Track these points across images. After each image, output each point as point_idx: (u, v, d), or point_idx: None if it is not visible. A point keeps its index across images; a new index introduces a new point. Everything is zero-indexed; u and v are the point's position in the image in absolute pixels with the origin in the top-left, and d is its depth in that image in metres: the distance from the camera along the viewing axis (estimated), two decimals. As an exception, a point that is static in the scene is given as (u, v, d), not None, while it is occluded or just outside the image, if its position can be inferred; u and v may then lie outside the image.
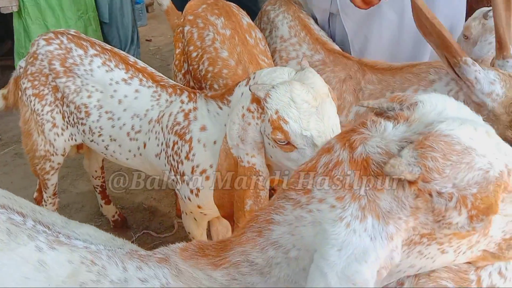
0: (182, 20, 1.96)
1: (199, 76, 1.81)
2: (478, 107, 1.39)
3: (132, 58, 1.68)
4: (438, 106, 0.69)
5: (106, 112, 1.63)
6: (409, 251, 0.68)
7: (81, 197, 2.61)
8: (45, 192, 1.97)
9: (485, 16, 1.84)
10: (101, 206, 2.33)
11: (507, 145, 0.67)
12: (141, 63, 1.68)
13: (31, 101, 1.73)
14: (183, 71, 1.94)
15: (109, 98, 1.62)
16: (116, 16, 3.34)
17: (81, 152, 2.11)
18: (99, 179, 2.24)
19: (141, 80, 1.61)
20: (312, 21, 2.07)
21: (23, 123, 1.81)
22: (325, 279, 0.63)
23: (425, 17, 1.36)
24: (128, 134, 1.60)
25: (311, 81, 1.14)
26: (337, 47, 1.93)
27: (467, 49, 1.85)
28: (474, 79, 1.36)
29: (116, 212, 2.35)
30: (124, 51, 1.79)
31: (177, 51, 1.97)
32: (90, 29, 3.12)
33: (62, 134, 1.77)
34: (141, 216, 2.48)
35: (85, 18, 3.10)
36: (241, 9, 1.96)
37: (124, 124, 1.60)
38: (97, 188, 2.28)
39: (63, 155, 1.85)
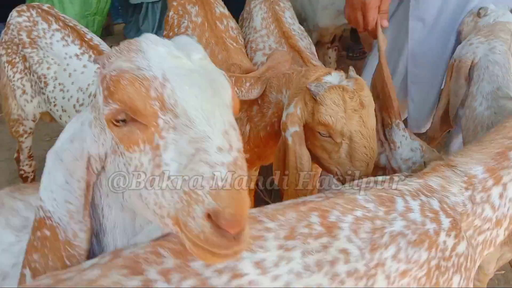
0: (168, 5, 2.05)
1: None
2: (393, 172, 1.41)
3: (89, 35, 1.77)
4: None
5: (59, 84, 1.73)
6: None
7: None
8: (22, 154, 2.13)
9: (479, 13, 1.74)
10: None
11: None
12: (96, 40, 1.76)
13: (5, 67, 1.88)
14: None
15: (63, 71, 1.72)
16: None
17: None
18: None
19: (90, 56, 1.69)
20: (287, 14, 2.05)
21: (1, 87, 1.97)
22: None
23: (382, 75, 1.44)
24: (74, 106, 1.70)
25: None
26: (303, 44, 1.90)
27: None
28: (399, 143, 1.41)
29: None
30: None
31: (164, 33, 2.07)
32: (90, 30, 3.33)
33: (31, 101, 1.91)
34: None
35: (89, 18, 3.29)
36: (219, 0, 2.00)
37: (71, 97, 1.70)
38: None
39: (33, 121, 1.99)
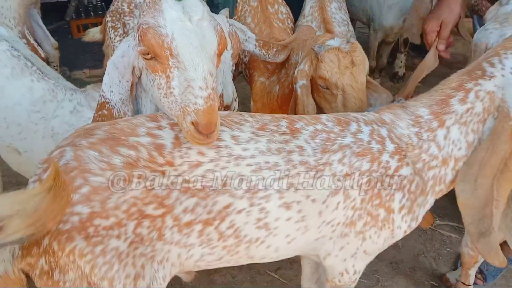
0: None
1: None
2: None
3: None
4: None
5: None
6: None
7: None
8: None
9: (500, 2, 1.91)
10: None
11: None
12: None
13: (109, 31, 2.47)
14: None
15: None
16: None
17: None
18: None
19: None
20: (333, 5, 2.40)
21: (105, 47, 2.57)
22: None
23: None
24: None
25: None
26: (339, 30, 2.26)
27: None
28: None
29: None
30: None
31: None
32: None
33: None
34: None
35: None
36: None
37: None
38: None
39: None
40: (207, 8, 1.14)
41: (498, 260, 1.37)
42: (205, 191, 1.15)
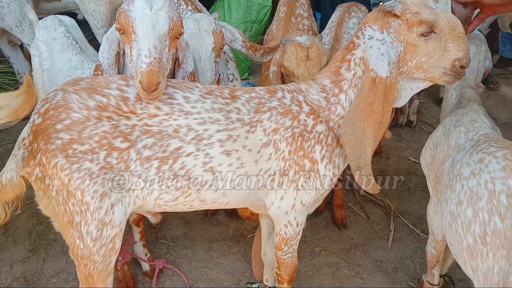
0: None
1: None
2: None
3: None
4: None
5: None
6: None
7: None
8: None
9: None
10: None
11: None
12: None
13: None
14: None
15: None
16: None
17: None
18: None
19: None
20: (352, 21, 2.68)
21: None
22: None
23: None
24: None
25: None
26: None
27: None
28: None
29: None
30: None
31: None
32: (247, 34, 4.38)
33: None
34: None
35: (248, 24, 4.34)
36: (304, 3, 2.89)
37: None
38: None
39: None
40: (169, 2, 1.52)
41: (372, 188, 1.66)
42: (161, 134, 1.48)
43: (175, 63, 1.73)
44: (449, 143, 1.83)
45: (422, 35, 1.54)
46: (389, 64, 1.53)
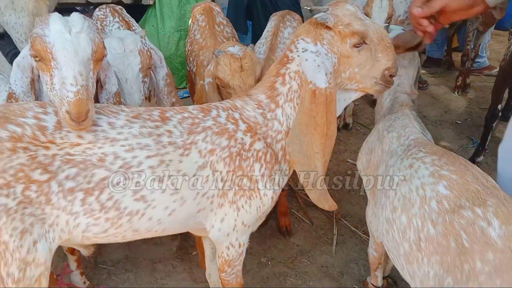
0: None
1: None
2: None
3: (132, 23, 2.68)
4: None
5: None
6: None
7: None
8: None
9: None
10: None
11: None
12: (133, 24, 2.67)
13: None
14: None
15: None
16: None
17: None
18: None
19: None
20: (287, 31, 2.70)
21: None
22: None
23: None
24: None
25: None
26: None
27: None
28: None
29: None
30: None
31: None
32: (181, 42, 4.32)
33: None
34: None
35: (182, 33, 4.30)
36: (219, 11, 2.84)
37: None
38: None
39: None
40: (88, 23, 1.43)
41: (328, 204, 1.64)
42: (84, 163, 1.38)
43: (97, 84, 1.63)
44: (383, 148, 1.88)
45: (355, 46, 1.55)
46: (326, 74, 1.53)
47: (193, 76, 2.74)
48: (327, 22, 1.54)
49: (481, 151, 3.45)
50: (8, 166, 1.31)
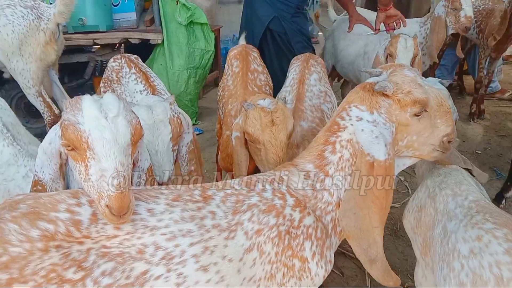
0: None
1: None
2: None
3: (153, 78, 2.55)
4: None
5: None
6: None
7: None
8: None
9: None
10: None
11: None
12: (157, 83, 2.54)
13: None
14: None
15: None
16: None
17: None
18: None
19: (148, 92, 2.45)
20: (313, 77, 2.59)
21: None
22: None
23: None
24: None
25: None
26: (309, 103, 2.46)
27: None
28: None
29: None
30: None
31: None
32: (191, 80, 4.22)
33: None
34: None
35: (191, 70, 4.19)
36: (256, 56, 2.73)
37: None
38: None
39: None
40: (123, 104, 1.30)
41: (392, 281, 1.49)
42: (122, 256, 1.24)
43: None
44: (436, 207, 1.75)
45: (415, 115, 1.45)
46: (386, 146, 1.42)
47: (221, 122, 2.63)
48: (386, 91, 1.43)
49: (509, 186, 3.33)
50: (39, 267, 1.17)
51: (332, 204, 1.51)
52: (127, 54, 2.74)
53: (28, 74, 3.49)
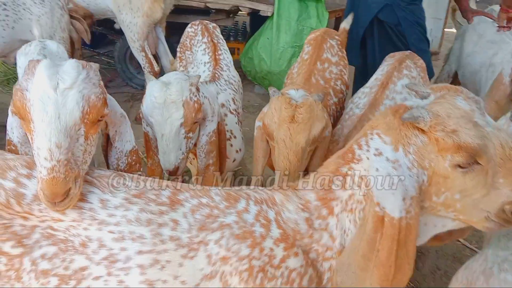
0: None
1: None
2: None
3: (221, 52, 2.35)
4: None
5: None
6: None
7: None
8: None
9: None
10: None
11: None
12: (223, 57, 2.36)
13: (177, 61, 2.66)
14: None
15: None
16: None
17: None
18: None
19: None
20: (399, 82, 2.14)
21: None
22: None
23: None
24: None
25: None
26: None
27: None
28: None
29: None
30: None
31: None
32: (294, 60, 3.91)
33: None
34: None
35: (297, 50, 3.87)
36: (333, 45, 2.35)
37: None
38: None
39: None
40: (84, 75, 1.12)
41: None
42: (65, 243, 1.11)
43: (107, 141, 1.34)
44: None
45: (459, 166, 1.03)
46: (404, 200, 1.05)
47: None
48: (419, 123, 1.02)
49: None
50: None
51: (332, 250, 1.17)
52: (206, 21, 2.58)
53: (134, 27, 3.59)
